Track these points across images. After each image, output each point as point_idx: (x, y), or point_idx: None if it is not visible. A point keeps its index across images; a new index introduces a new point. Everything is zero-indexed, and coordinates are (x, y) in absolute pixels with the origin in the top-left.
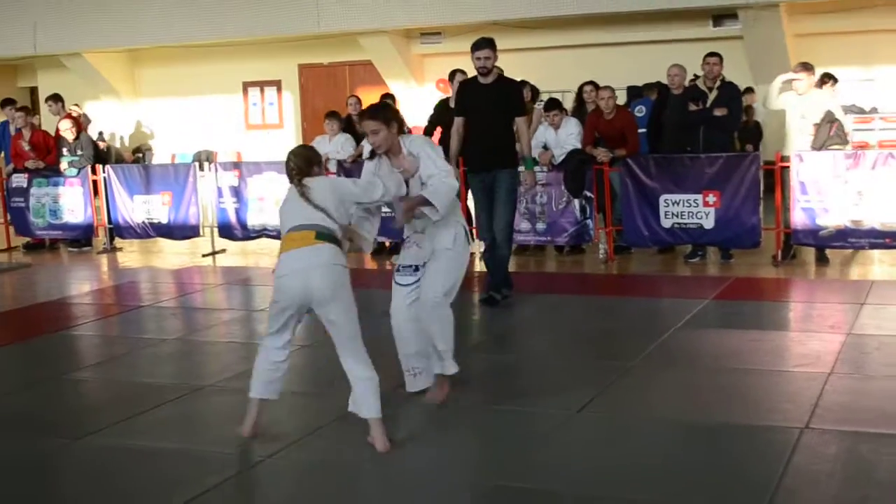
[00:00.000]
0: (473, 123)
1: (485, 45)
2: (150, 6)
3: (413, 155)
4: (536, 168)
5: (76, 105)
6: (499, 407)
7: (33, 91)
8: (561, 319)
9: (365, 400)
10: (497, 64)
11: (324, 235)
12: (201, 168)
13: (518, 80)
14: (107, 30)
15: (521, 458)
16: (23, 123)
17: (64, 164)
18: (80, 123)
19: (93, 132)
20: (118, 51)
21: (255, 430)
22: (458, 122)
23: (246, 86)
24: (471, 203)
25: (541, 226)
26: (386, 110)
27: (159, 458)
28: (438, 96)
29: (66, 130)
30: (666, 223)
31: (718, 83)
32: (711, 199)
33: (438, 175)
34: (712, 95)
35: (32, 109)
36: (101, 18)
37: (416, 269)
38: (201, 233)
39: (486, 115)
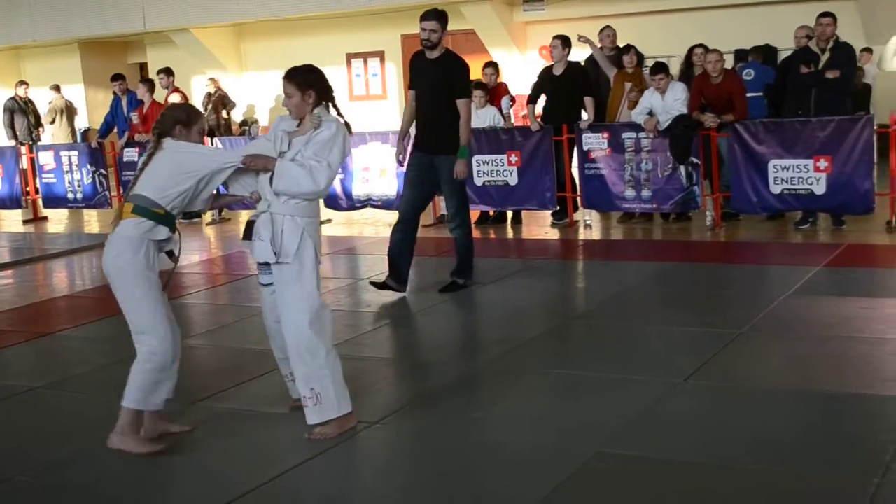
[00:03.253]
0: (418, 99)
1: (431, 16)
2: None
3: (316, 127)
4: (642, 134)
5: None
6: (603, 375)
7: (142, 67)
8: (667, 287)
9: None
10: (608, 24)
11: (141, 209)
12: None
13: (463, 58)
14: (213, 5)
15: (627, 427)
16: (142, 95)
17: None
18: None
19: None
20: (224, 25)
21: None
22: (409, 95)
23: (349, 57)
24: None
25: (646, 193)
26: (305, 75)
27: (268, 423)
28: (542, 64)
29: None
30: (775, 189)
31: (831, 44)
32: (823, 164)
33: (315, 164)
34: (824, 57)
35: (152, 83)
36: None
37: (270, 265)
38: None
39: (428, 93)
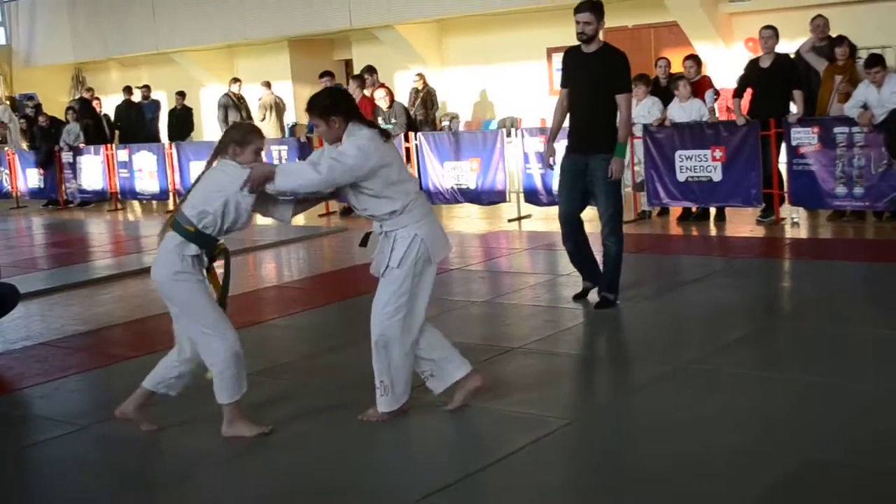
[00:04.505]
0: (572, 97)
1: (585, 7)
2: None
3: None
4: (855, 129)
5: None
6: (812, 379)
7: (347, 63)
8: (881, 289)
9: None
10: (820, 13)
11: (177, 225)
12: (508, 134)
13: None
14: (416, 1)
15: (839, 433)
16: (353, 91)
17: None
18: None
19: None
20: (427, 21)
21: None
22: (561, 94)
23: (550, 52)
24: None
25: (858, 190)
26: (323, 103)
27: (473, 416)
28: (748, 57)
29: (381, 99)
30: None
31: None
32: None
33: (318, 158)
34: None
35: (363, 79)
36: None
37: None
38: (507, 198)
39: (584, 90)
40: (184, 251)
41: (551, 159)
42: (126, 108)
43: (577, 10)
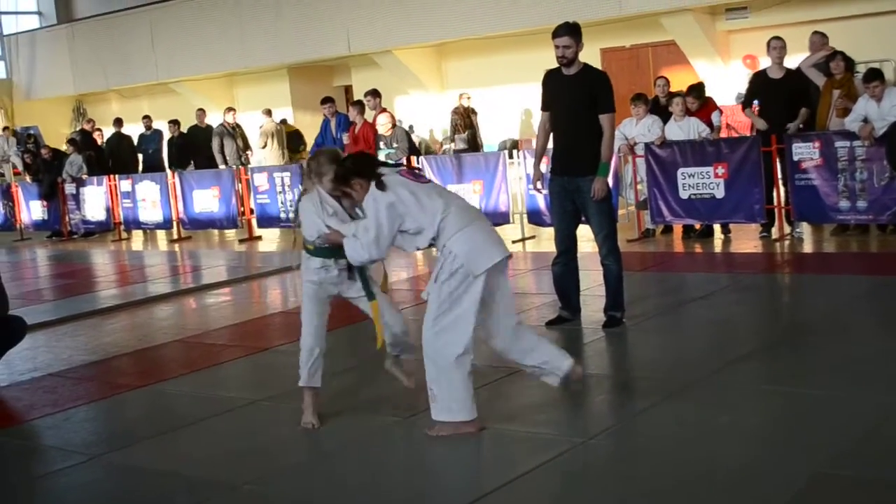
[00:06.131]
0: (555, 120)
1: (563, 31)
2: (453, 1)
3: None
4: (856, 143)
5: (385, 109)
6: (821, 393)
7: (347, 89)
8: (885, 302)
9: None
10: (817, 30)
11: (303, 242)
12: (510, 156)
13: (603, 71)
14: (415, 26)
15: (851, 448)
16: (354, 117)
17: (381, 157)
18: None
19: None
20: (425, 46)
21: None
22: (543, 117)
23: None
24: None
25: (861, 204)
26: (344, 171)
27: (482, 437)
28: (745, 73)
29: (382, 125)
30: None
31: None
32: None
33: (356, 235)
34: None
35: (362, 105)
36: (408, 16)
37: None
38: (511, 220)
39: (567, 112)
40: (308, 264)
41: (539, 183)
42: (118, 139)
43: (556, 34)
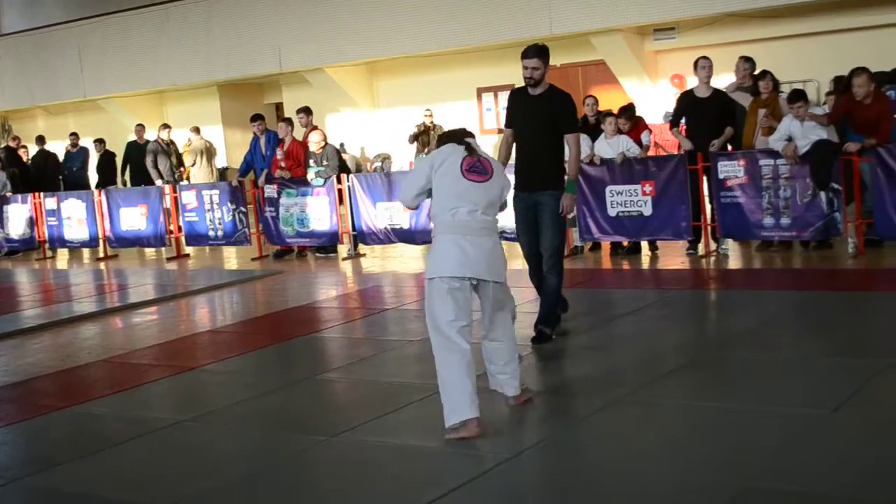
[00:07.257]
0: (518, 138)
1: (532, 53)
2: (384, 20)
3: None
4: (781, 161)
5: (317, 127)
6: (746, 407)
7: (278, 107)
8: (809, 317)
9: None
10: (742, 54)
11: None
12: None
13: (567, 92)
14: (346, 45)
15: (775, 461)
16: (284, 134)
17: (311, 175)
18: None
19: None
20: (357, 64)
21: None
22: (505, 133)
23: (480, 91)
24: None
25: (785, 220)
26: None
27: (409, 455)
28: (673, 93)
29: (315, 143)
30: None
31: None
32: None
33: None
34: None
35: (291, 122)
36: (339, 35)
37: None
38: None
39: (531, 130)
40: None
41: None
42: (43, 157)
43: (525, 55)
